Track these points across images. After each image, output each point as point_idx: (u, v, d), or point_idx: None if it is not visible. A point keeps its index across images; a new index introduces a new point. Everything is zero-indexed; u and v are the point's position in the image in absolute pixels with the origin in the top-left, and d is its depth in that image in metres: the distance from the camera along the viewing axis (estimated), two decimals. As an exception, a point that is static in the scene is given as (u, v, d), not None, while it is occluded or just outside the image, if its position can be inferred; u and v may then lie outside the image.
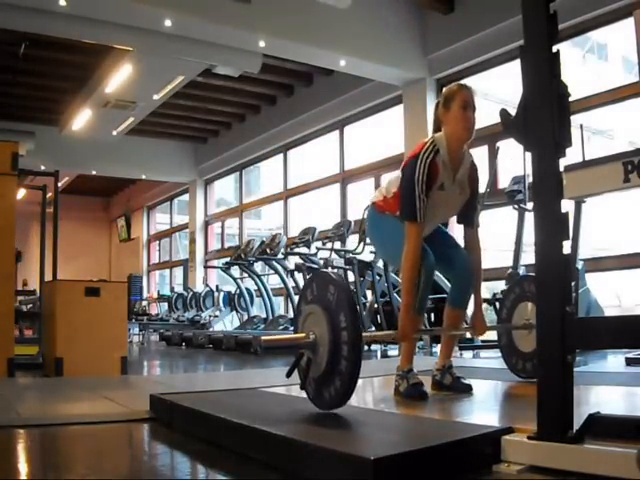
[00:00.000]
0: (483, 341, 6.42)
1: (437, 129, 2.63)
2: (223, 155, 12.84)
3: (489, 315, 7.72)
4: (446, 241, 2.78)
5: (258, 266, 9.41)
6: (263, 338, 2.26)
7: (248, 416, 2.04)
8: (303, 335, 2.16)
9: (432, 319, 6.28)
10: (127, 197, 17.70)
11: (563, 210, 1.58)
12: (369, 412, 2.34)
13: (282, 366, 5.39)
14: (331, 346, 2.04)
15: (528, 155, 1.68)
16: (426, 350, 6.02)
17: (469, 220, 2.71)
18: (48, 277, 5.05)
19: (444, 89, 2.65)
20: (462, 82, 2.67)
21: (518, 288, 3.03)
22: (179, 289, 13.48)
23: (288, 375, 2.18)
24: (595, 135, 8.57)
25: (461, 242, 2.78)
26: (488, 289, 6.72)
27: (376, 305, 6.68)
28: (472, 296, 2.72)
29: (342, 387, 2.03)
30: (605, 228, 7.31)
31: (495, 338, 6.25)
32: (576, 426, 1.50)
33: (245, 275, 9.72)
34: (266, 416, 2.10)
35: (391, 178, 2.72)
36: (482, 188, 3.00)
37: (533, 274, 3.46)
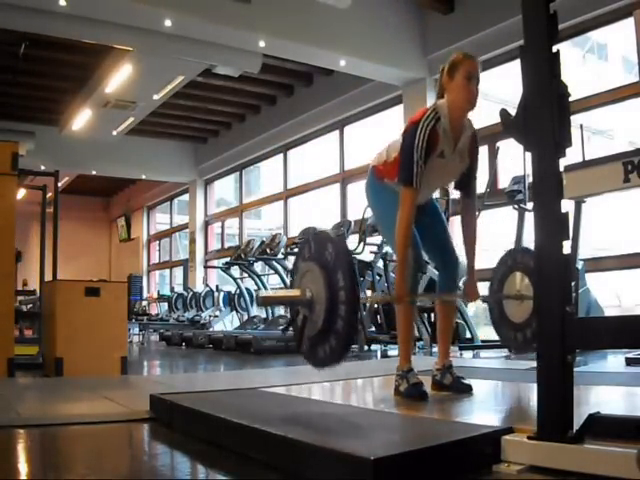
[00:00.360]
0: (483, 341, 6.43)
1: (441, 96, 2.61)
2: (223, 155, 12.84)
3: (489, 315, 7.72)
4: (437, 227, 2.79)
5: (258, 266, 9.42)
6: (262, 294, 2.25)
7: (248, 416, 2.03)
8: (300, 292, 2.14)
9: (432, 319, 6.28)
10: (127, 197, 17.70)
11: (563, 210, 1.58)
12: (369, 412, 2.33)
13: (282, 366, 5.39)
14: (328, 305, 2.02)
15: (528, 155, 1.68)
16: (426, 350, 6.02)
17: (468, 189, 2.72)
18: (48, 277, 5.05)
19: (450, 57, 2.60)
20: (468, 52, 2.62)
21: (510, 259, 3.02)
22: (179, 289, 13.48)
23: (284, 331, 2.18)
24: (595, 135, 8.57)
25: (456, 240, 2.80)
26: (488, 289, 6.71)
27: (376, 305, 6.68)
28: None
29: (337, 346, 2.01)
30: (605, 228, 7.31)
31: (495, 338, 6.28)
32: (576, 426, 1.50)
33: (245, 275, 9.72)
34: (266, 416, 2.10)
35: (392, 142, 2.70)
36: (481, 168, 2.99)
37: (525, 247, 3.45)
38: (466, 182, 2.70)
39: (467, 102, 2.52)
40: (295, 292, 2.17)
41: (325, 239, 2.15)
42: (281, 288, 9.05)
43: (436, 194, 3.42)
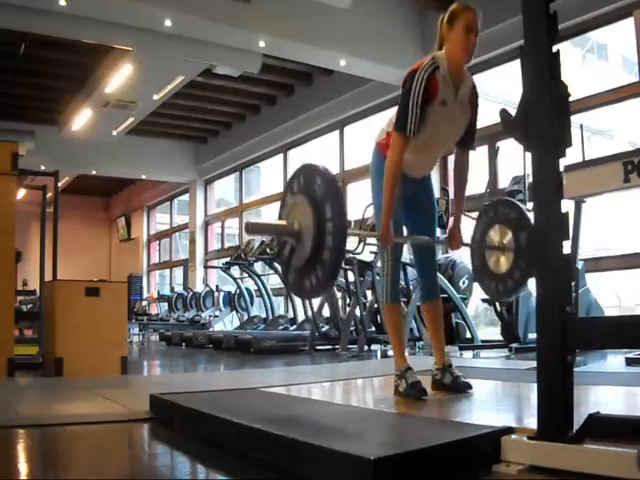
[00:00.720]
0: (483, 341, 6.43)
1: (440, 47, 2.62)
2: (223, 155, 12.84)
3: (489, 315, 7.72)
4: (425, 227, 2.79)
5: (258, 266, 9.41)
6: (251, 222, 2.25)
7: (248, 416, 2.03)
8: (288, 223, 2.16)
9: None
10: (127, 197, 17.70)
11: (563, 210, 1.58)
12: (369, 412, 2.34)
13: (282, 366, 5.40)
14: (315, 235, 2.04)
15: (528, 155, 1.68)
16: (426, 350, 6.02)
17: (468, 143, 2.73)
18: (48, 277, 5.05)
19: (450, 6, 2.58)
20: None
21: (492, 211, 3.03)
22: (179, 289, 13.48)
23: (273, 259, 2.21)
24: (595, 135, 8.57)
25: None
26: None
27: (376, 305, 6.68)
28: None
29: (324, 276, 2.04)
30: (605, 228, 7.31)
31: (495, 338, 6.28)
32: (576, 426, 1.50)
33: (245, 275, 9.72)
34: (266, 416, 2.10)
35: (392, 116, 2.70)
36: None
37: (507, 198, 3.45)
38: (467, 139, 2.72)
39: (465, 52, 2.52)
40: (284, 222, 2.19)
41: (314, 172, 2.15)
42: (281, 288, 9.04)
43: (436, 194, 3.41)
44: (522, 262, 2.76)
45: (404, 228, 2.76)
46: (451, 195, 5.92)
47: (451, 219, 2.83)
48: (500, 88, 7.85)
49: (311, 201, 2.09)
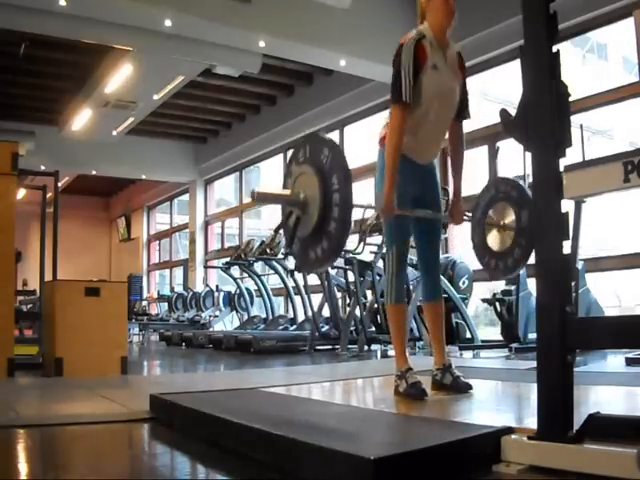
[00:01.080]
0: (483, 341, 6.43)
1: (422, 21, 2.68)
2: (223, 155, 12.84)
3: (489, 315, 7.72)
4: (431, 235, 2.78)
5: (258, 266, 9.41)
6: (258, 190, 2.22)
7: (248, 416, 2.03)
8: (294, 193, 2.14)
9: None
10: (127, 197, 17.70)
11: (563, 210, 1.58)
12: (369, 412, 2.34)
13: (282, 366, 5.40)
14: (321, 206, 2.01)
15: (528, 155, 1.68)
16: (426, 350, 6.02)
17: (461, 113, 2.75)
18: (48, 277, 5.05)
19: None
20: None
21: (493, 189, 3.03)
22: (179, 289, 13.48)
23: (276, 231, 2.19)
24: (595, 135, 8.57)
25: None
26: (488, 289, 6.72)
27: (376, 305, 6.68)
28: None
29: (329, 248, 2.01)
30: (605, 228, 7.31)
31: (495, 338, 6.28)
32: (576, 426, 1.50)
33: (245, 275, 9.72)
34: (266, 416, 2.10)
35: None
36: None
37: (507, 177, 3.45)
38: (462, 110, 2.74)
39: (446, 17, 2.58)
40: (289, 192, 2.17)
41: (321, 142, 2.13)
42: (281, 288, 9.05)
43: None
44: (523, 240, 2.75)
45: (410, 227, 2.75)
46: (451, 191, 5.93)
47: (451, 193, 2.84)
48: (500, 88, 7.85)
49: (318, 171, 2.05)
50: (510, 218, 2.88)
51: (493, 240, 2.98)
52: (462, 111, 2.75)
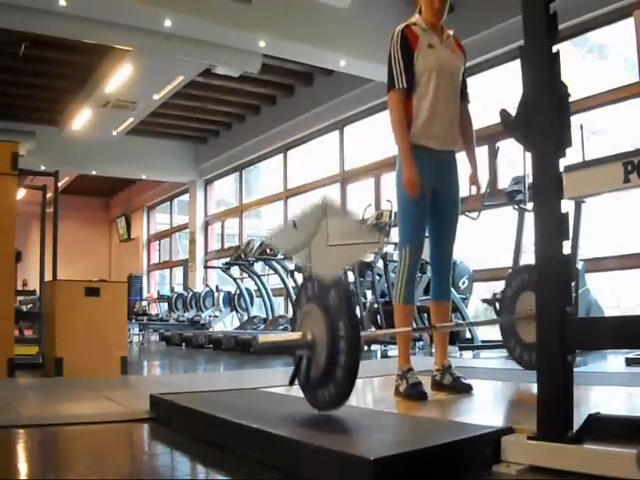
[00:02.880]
0: (483, 341, 6.43)
1: (420, 12, 2.74)
2: (223, 155, 12.84)
3: (489, 315, 7.72)
4: (446, 232, 2.78)
5: (258, 266, 9.41)
6: (258, 342, 2.23)
7: (248, 416, 2.03)
8: (302, 335, 2.13)
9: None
10: (127, 197, 17.70)
11: (563, 210, 1.58)
12: (369, 412, 2.33)
13: (282, 366, 5.39)
14: (328, 352, 2.01)
15: (528, 155, 1.68)
16: (426, 350, 6.02)
17: (464, 97, 2.81)
18: (48, 277, 5.05)
19: None
20: None
21: (519, 278, 2.99)
22: (179, 289, 13.47)
23: (291, 383, 2.15)
24: (595, 135, 8.56)
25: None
26: (488, 289, 6.72)
27: (376, 305, 6.68)
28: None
29: (336, 395, 2.01)
30: (605, 228, 7.31)
31: (495, 338, 6.27)
32: (576, 426, 1.50)
33: (245, 275, 9.72)
34: (266, 416, 2.09)
35: None
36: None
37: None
38: (462, 91, 2.79)
39: (432, 14, 2.66)
40: (295, 335, 2.14)
41: (327, 283, 2.08)
42: (281, 288, 9.05)
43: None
44: None
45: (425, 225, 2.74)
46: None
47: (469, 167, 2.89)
48: (500, 88, 7.85)
49: (324, 313, 2.03)
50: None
51: (523, 331, 2.87)
52: (463, 93, 2.79)
